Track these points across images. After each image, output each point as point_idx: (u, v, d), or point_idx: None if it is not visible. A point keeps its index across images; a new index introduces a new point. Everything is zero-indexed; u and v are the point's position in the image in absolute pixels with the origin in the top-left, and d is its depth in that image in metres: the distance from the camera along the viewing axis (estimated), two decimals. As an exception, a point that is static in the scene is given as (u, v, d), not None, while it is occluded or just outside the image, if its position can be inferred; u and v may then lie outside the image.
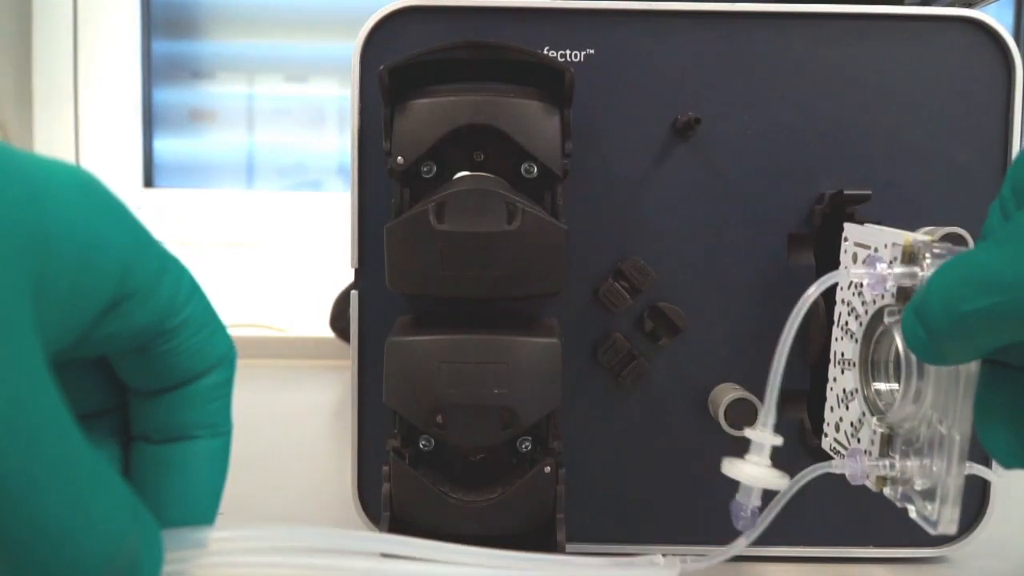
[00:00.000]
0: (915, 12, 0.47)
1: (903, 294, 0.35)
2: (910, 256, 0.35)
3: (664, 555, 0.37)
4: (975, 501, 0.48)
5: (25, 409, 0.20)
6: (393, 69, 0.41)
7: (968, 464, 0.34)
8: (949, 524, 0.34)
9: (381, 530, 0.42)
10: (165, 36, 1.28)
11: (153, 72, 1.28)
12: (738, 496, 0.37)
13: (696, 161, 0.47)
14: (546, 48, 0.46)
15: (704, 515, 0.44)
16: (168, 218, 1.23)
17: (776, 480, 0.37)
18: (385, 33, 0.46)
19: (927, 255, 0.34)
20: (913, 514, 0.35)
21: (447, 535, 0.42)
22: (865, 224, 0.41)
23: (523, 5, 0.46)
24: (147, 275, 0.25)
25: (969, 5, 0.48)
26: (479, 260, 0.39)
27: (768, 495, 0.37)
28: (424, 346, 0.40)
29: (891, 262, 0.35)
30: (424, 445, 0.43)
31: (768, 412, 0.37)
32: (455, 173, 0.43)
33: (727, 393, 0.45)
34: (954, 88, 0.47)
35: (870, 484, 0.37)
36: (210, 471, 0.28)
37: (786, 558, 0.48)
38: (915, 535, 0.48)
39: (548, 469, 0.42)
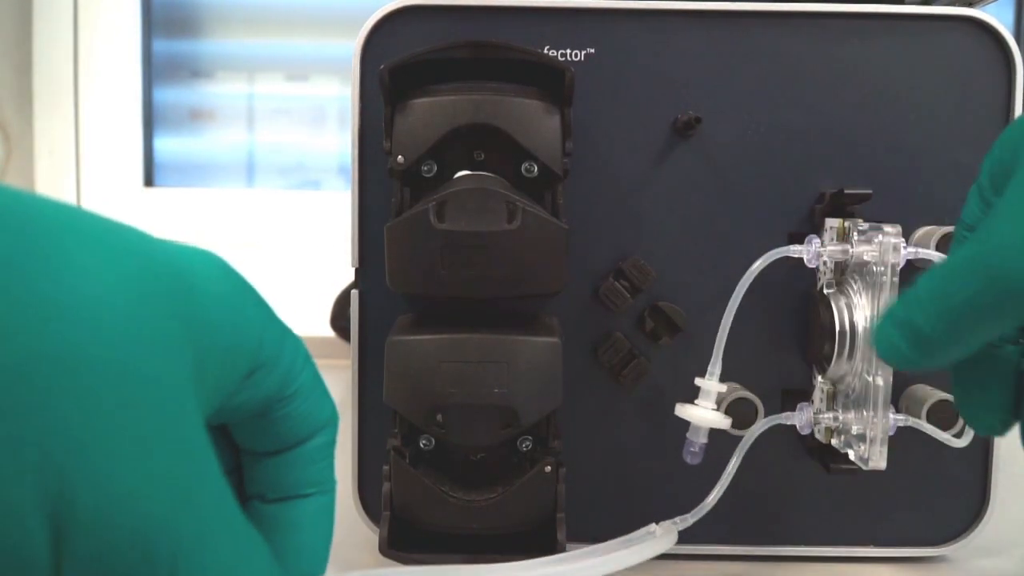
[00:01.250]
0: (915, 12, 0.47)
1: (839, 268, 0.45)
2: (843, 236, 0.44)
3: (657, 524, 0.42)
4: (975, 501, 0.48)
5: (195, 479, 0.22)
6: (394, 68, 0.41)
7: (903, 417, 0.43)
8: (878, 460, 0.41)
9: (381, 530, 0.42)
10: (165, 36, 1.28)
11: (153, 72, 1.28)
12: (688, 434, 0.43)
13: (696, 161, 0.47)
14: (546, 47, 0.46)
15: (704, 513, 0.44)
16: (168, 218, 1.23)
17: (720, 420, 0.43)
18: (385, 33, 0.46)
19: (855, 233, 0.43)
20: (852, 455, 0.42)
21: (447, 534, 0.42)
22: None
23: (523, 5, 0.46)
24: (273, 346, 0.27)
25: (969, 5, 0.48)
26: (479, 259, 0.39)
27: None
28: (424, 345, 0.40)
29: (826, 242, 0.44)
30: (424, 444, 0.43)
31: (715, 363, 0.43)
32: (455, 172, 0.43)
33: (728, 393, 0.45)
34: (954, 88, 0.47)
35: (821, 437, 0.45)
36: (320, 526, 0.30)
37: (787, 558, 0.48)
38: (915, 535, 0.48)
39: (548, 468, 0.42)
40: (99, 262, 0.21)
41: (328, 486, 0.30)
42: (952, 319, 0.30)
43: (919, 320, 0.31)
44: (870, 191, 0.45)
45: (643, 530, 0.42)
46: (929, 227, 0.46)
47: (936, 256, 0.42)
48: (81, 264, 0.21)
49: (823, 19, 0.47)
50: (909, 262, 0.43)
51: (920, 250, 0.42)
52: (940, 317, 0.30)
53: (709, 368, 0.43)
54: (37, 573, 0.20)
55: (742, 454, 0.43)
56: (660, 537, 0.41)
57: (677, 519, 0.43)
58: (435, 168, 0.43)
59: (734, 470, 0.43)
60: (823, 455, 0.46)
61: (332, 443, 0.30)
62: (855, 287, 0.44)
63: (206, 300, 0.24)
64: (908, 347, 0.32)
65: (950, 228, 0.44)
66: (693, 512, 0.42)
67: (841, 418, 0.44)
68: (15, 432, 0.19)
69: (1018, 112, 0.47)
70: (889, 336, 0.32)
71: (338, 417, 0.30)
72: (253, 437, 0.28)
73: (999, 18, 0.46)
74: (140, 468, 0.21)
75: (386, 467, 0.42)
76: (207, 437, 0.23)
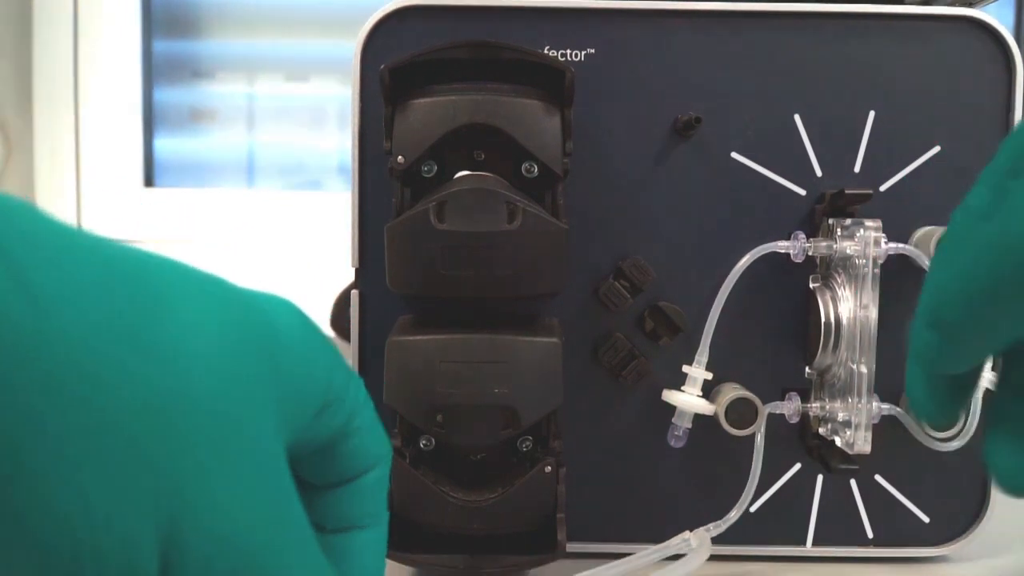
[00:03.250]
0: (915, 12, 0.47)
1: (824, 263, 0.46)
2: (827, 233, 0.46)
3: (690, 532, 0.43)
4: (975, 501, 0.48)
5: (284, 517, 0.25)
6: (394, 69, 0.41)
7: (888, 406, 0.45)
8: (863, 445, 0.43)
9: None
10: (165, 36, 1.28)
11: (153, 72, 1.28)
12: (674, 419, 0.45)
13: (696, 161, 0.47)
14: (546, 48, 0.46)
15: (705, 514, 0.44)
16: (168, 218, 1.23)
17: (704, 406, 0.45)
18: (385, 33, 0.46)
19: (838, 228, 0.45)
20: (839, 442, 0.45)
21: (447, 534, 0.42)
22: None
23: (523, 5, 0.46)
24: (340, 385, 0.29)
25: (969, 5, 0.48)
26: (479, 260, 0.39)
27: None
28: (424, 346, 0.40)
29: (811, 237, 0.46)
30: (425, 445, 0.43)
31: (702, 352, 0.45)
32: (455, 172, 0.43)
33: (727, 393, 0.45)
34: (954, 88, 0.47)
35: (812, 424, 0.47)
36: (375, 555, 0.31)
37: (786, 558, 0.48)
38: (915, 535, 0.48)
39: (548, 468, 0.42)
40: (201, 314, 0.24)
41: (382, 518, 0.31)
42: (975, 303, 0.29)
43: (943, 307, 0.30)
44: (870, 191, 0.45)
45: (678, 538, 0.43)
46: (929, 227, 0.46)
47: (913, 251, 0.44)
48: (188, 317, 0.23)
49: (823, 19, 0.47)
50: (901, 257, 0.44)
51: (900, 245, 0.44)
52: (963, 302, 0.29)
53: (696, 357, 0.45)
54: None
55: (760, 455, 0.44)
56: (698, 548, 0.42)
57: (710, 526, 0.43)
58: (435, 168, 0.43)
59: (758, 473, 0.44)
60: (823, 455, 0.46)
61: (386, 477, 0.31)
62: (839, 280, 0.45)
63: (287, 344, 0.27)
64: (938, 337, 0.30)
65: (950, 228, 0.44)
66: (723, 520, 0.44)
67: (827, 406, 0.46)
68: (131, 473, 0.21)
69: (1018, 112, 0.47)
70: (920, 334, 0.31)
71: (391, 452, 0.32)
72: (316, 471, 0.30)
73: (999, 18, 0.46)
74: (239, 509, 0.23)
75: (386, 467, 0.42)
76: (291, 476, 0.25)
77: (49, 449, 0.20)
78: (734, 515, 0.43)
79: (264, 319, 0.26)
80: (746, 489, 0.43)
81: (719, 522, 0.43)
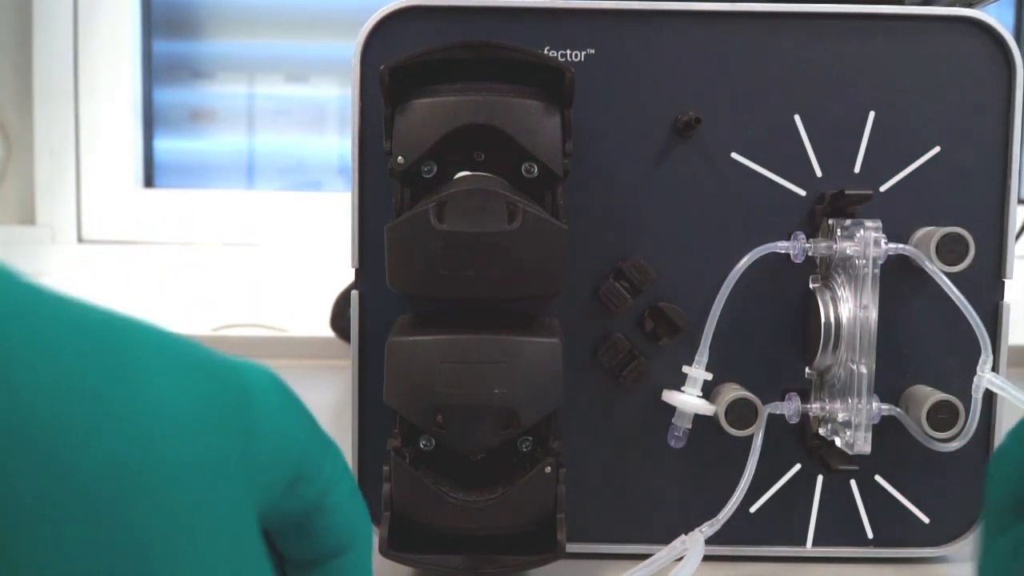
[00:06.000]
0: (915, 12, 0.47)
1: (824, 263, 0.46)
2: (827, 233, 0.46)
3: (684, 534, 0.43)
4: (975, 501, 0.48)
5: (250, 573, 0.25)
6: (394, 69, 0.41)
7: (888, 406, 0.45)
8: (863, 445, 0.43)
9: (381, 531, 0.42)
10: (165, 36, 1.28)
11: (153, 72, 1.28)
12: (674, 420, 0.45)
13: (696, 161, 0.47)
14: (546, 48, 0.46)
15: (704, 515, 0.44)
16: (168, 218, 1.23)
17: (704, 406, 0.45)
18: (385, 33, 0.46)
19: (838, 230, 0.45)
20: (839, 442, 0.45)
21: (447, 534, 0.42)
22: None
23: (523, 5, 0.46)
24: (315, 458, 0.29)
25: (969, 5, 0.48)
26: (479, 260, 0.39)
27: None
28: (424, 346, 0.40)
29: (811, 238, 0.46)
30: (424, 445, 0.43)
31: (702, 353, 0.45)
32: (456, 173, 0.43)
33: (727, 393, 0.45)
34: (954, 88, 0.47)
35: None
36: None
37: (786, 558, 0.48)
38: (915, 535, 0.48)
39: (548, 469, 0.42)
40: (173, 382, 0.24)
41: None
42: None
43: None
44: (870, 191, 0.45)
45: (671, 546, 0.43)
46: (929, 227, 0.46)
47: (913, 251, 0.44)
48: (159, 383, 0.23)
49: (823, 19, 0.47)
50: (901, 257, 0.45)
51: (900, 245, 0.44)
52: None
53: (696, 357, 0.45)
54: None
55: (756, 455, 0.44)
56: (694, 550, 0.42)
57: (703, 526, 0.43)
58: (435, 169, 0.43)
59: (752, 473, 0.44)
60: (823, 455, 0.46)
61: (368, 560, 0.31)
62: (839, 280, 0.45)
63: (261, 414, 0.27)
64: None
65: (950, 228, 0.44)
66: (719, 516, 0.43)
67: (827, 407, 0.46)
68: (93, 535, 0.21)
69: (1018, 112, 0.47)
70: None
71: (371, 532, 0.31)
72: (294, 546, 0.30)
73: (999, 18, 0.46)
74: (206, 573, 0.23)
75: (386, 467, 0.42)
76: (262, 545, 0.26)
77: (11, 510, 0.20)
78: (723, 515, 0.43)
79: (239, 388, 0.26)
80: (738, 489, 0.43)
81: (712, 521, 0.43)
